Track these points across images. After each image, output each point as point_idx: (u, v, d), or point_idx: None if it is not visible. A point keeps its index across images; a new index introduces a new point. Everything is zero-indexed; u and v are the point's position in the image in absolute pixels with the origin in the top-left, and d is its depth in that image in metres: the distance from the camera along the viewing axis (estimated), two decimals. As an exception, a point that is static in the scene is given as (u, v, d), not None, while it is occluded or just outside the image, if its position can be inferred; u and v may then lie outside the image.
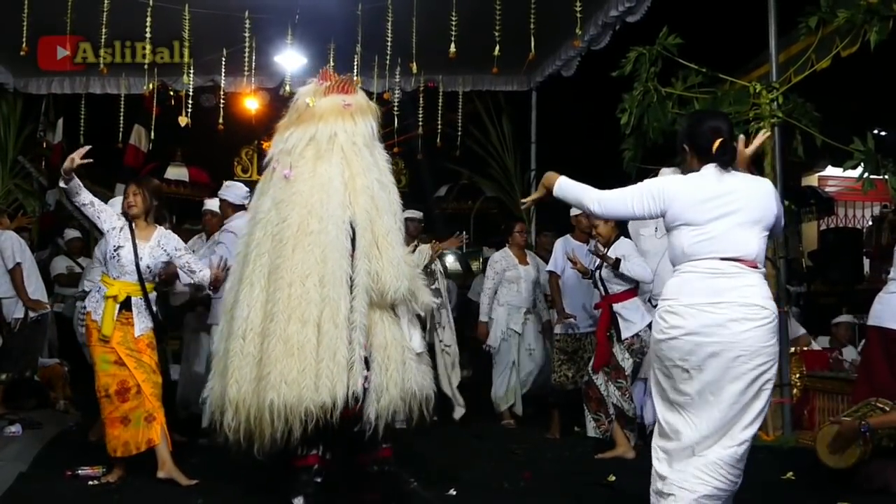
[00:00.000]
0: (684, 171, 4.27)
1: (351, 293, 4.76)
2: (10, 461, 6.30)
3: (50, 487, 5.54)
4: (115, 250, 5.78)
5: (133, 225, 5.87)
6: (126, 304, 5.75)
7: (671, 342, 3.92)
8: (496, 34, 8.11)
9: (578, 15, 8.06)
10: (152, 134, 11.08)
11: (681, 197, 4.00)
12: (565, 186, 4.23)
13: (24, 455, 6.53)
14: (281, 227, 4.87)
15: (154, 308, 5.89)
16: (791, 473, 5.91)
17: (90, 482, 5.63)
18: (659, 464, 4.03)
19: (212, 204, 7.66)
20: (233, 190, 7.44)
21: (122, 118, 10.95)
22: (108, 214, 5.91)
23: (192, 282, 6.28)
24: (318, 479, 4.89)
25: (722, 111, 4.22)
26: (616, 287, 6.82)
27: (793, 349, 7.58)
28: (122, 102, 10.99)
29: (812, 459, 5.79)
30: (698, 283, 3.92)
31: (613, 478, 5.77)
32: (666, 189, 4.05)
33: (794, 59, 7.45)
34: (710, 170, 4.03)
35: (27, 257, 8.29)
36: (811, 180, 12.52)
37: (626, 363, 6.73)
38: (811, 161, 9.75)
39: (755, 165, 7.30)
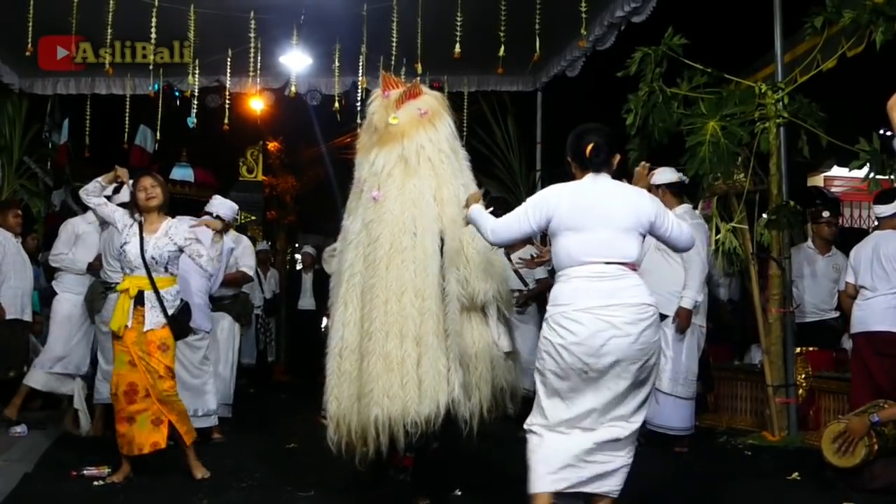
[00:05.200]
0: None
1: (443, 302, 4.82)
2: (15, 461, 6.31)
3: (55, 488, 5.54)
4: (121, 247, 5.80)
5: (143, 219, 5.88)
6: (140, 301, 5.74)
7: (572, 347, 4.01)
8: (501, 35, 8.12)
9: (584, 15, 8.07)
10: (158, 134, 11.12)
11: (563, 203, 4.16)
12: (474, 215, 4.43)
13: (29, 455, 6.53)
14: (373, 247, 4.89)
15: (173, 303, 5.83)
16: (797, 474, 5.91)
17: (95, 483, 5.62)
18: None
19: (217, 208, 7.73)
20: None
21: (127, 119, 10.97)
22: (120, 213, 5.96)
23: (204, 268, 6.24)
24: (407, 479, 5.00)
25: (600, 127, 4.39)
26: None
27: (798, 349, 7.57)
28: (128, 103, 11.00)
29: (818, 460, 5.78)
30: (590, 287, 4.06)
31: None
32: (548, 197, 4.23)
33: (799, 59, 7.44)
34: (588, 177, 4.24)
35: (8, 262, 8.15)
36: (817, 181, 12.47)
37: None
38: (817, 161, 9.72)
39: (760, 166, 7.33)
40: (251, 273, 8.21)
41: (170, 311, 5.78)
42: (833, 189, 12.26)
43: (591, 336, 3.98)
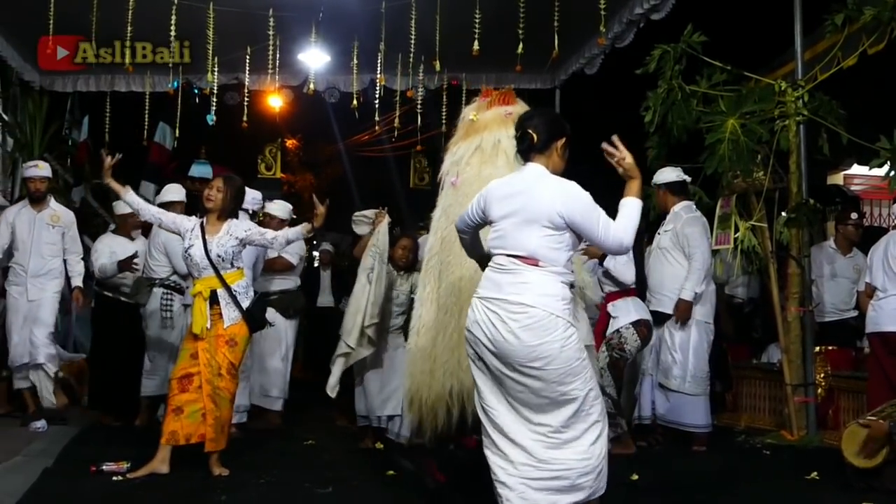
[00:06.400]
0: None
1: None
2: (35, 457, 6.34)
3: (75, 483, 5.55)
4: (186, 251, 5.91)
5: (205, 221, 5.97)
6: (215, 299, 5.83)
7: (465, 332, 4.15)
8: (519, 32, 8.11)
9: (602, 13, 8.04)
10: (177, 131, 11.17)
11: (490, 195, 4.21)
12: None
13: (49, 451, 6.56)
14: (451, 228, 5.04)
15: (246, 295, 5.92)
16: (816, 473, 5.87)
17: (115, 478, 5.64)
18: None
19: (272, 208, 7.99)
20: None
21: (146, 116, 11.02)
22: (182, 219, 6.08)
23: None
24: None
25: (540, 111, 4.38)
26: (608, 287, 6.82)
27: (817, 348, 7.53)
28: (147, 100, 11.05)
29: (837, 459, 5.74)
30: (492, 277, 4.11)
31: (636, 477, 5.74)
32: (484, 191, 4.29)
33: (819, 56, 7.40)
34: (519, 167, 4.33)
35: None
36: (837, 179, 12.39)
37: (602, 355, 6.64)
38: (837, 159, 9.64)
39: (780, 163, 7.30)
40: (291, 260, 8.08)
41: (244, 305, 5.88)
42: (853, 187, 12.19)
43: (472, 323, 4.08)
